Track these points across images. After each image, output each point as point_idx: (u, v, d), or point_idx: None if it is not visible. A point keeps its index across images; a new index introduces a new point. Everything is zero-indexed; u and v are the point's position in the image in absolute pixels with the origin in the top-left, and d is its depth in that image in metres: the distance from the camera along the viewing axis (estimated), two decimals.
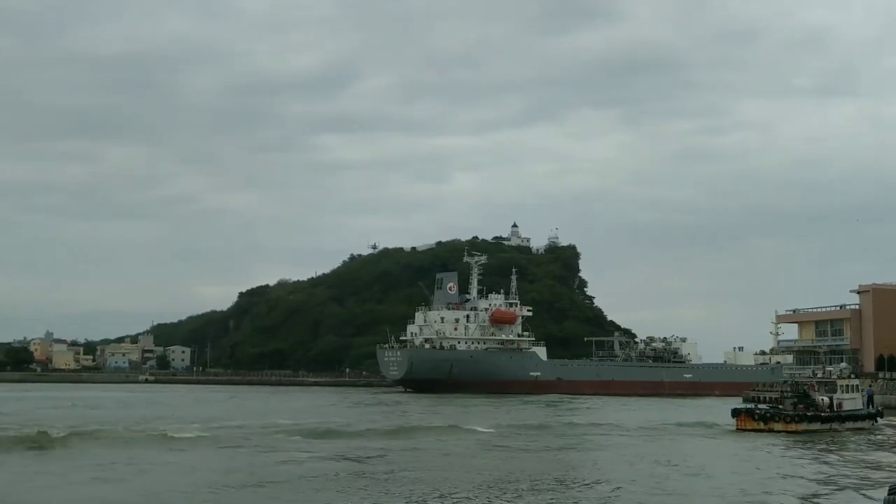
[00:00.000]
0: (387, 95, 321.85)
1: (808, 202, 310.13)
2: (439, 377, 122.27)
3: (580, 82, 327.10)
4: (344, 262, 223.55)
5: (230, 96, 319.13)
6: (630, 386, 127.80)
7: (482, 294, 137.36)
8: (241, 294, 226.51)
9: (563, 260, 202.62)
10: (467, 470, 33.53)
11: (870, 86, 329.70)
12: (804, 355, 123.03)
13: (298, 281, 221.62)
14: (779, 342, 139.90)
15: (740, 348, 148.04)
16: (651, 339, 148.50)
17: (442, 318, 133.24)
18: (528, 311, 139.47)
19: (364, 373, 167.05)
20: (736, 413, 56.20)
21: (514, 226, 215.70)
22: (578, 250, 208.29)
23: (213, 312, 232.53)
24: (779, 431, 52.28)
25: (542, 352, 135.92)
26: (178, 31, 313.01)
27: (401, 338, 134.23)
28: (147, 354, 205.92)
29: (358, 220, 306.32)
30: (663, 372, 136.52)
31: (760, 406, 56.74)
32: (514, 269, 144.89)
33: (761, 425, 53.55)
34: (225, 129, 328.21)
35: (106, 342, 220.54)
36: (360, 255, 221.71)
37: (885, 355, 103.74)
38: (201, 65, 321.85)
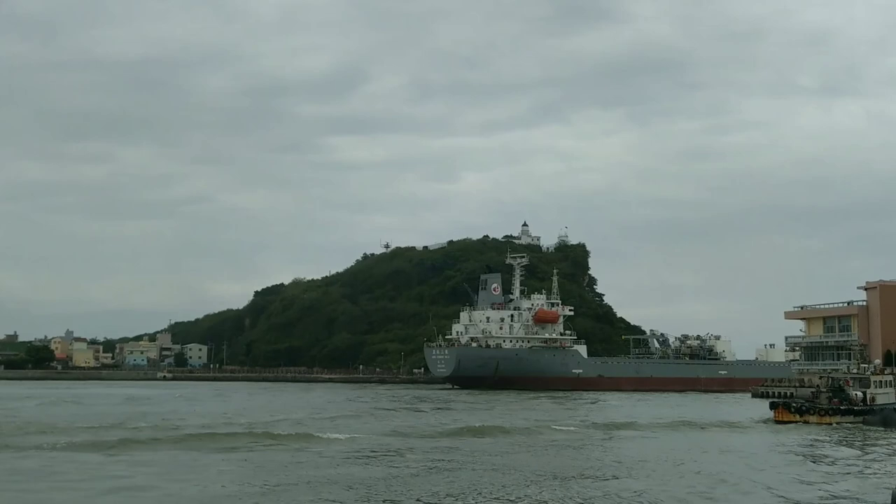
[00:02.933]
0: (395, 96, 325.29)
1: (814, 200, 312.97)
2: (485, 374, 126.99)
3: (587, 82, 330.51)
4: (357, 260, 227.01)
5: (242, 98, 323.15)
6: (668, 382, 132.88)
7: (524, 294, 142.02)
8: (256, 292, 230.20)
9: (572, 258, 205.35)
10: None
11: (873, 84, 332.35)
12: (812, 351, 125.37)
13: (312, 279, 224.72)
14: (786, 338, 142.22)
15: (772, 345, 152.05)
16: (686, 336, 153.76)
17: (487, 318, 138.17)
18: (570, 310, 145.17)
19: (377, 369, 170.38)
20: (774, 406, 60.22)
21: (525, 224, 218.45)
22: (587, 248, 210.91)
23: (230, 310, 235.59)
24: (814, 423, 55.70)
25: (583, 349, 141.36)
26: (190, 33, 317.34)
27: (446, 336, 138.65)
28: (165, 352, 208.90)
29: (370, 220, 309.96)
30: (699, 369, 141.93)
31: (797, 400, 61.18)
32: (555, 271, 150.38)
33: (797, 417, 57.37)
34: (238, 129, 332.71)
35: (124, 340, 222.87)
36: (372, 254, 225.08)
37: (893, 351, 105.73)
38: (214, 67, 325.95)
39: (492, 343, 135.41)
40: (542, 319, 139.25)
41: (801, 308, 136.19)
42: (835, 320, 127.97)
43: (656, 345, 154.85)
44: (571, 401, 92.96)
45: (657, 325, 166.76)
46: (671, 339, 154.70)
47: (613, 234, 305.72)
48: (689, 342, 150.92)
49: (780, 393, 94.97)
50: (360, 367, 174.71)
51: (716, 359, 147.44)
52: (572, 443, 43.13)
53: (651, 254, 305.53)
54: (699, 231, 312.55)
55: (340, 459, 34.74)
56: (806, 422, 56.12)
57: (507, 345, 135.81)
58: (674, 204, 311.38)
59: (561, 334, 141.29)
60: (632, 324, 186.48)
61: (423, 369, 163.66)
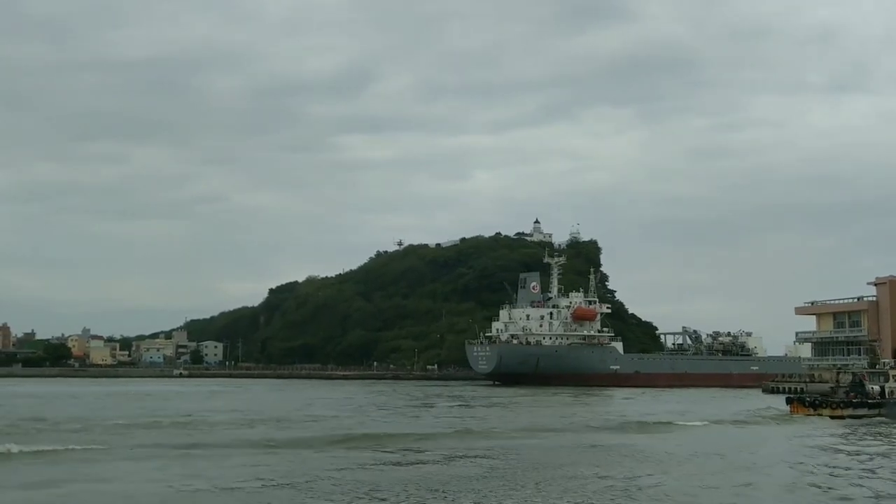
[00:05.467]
0: (406, 96, 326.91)
1: (824, 197, 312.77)
2: (526, 371, 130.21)
3: (596, 81, 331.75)
4: (370, 258, 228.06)
5: (254, 98, 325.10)
6: (702, 378, 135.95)
7: (561, 292, 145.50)
8: (271, 290, 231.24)
9: (584, 255, 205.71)
10: None
11: (882, 81, 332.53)
12: (822, 346, 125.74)
13: (326, 277, 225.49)
14: (797, 334, 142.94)
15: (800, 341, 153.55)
16: (717, 333, 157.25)
17: (527, 316, 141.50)
18: (608, 308, 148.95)
19: (391, 366, 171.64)
20: (789, 401, 62.60)
21: (537, 222, 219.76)
22: (599, 245, 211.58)
23: (245, 308, 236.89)
24: (827, 417, 57.75)
25: (619, 346, 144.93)
26: (202, 34, 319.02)
27: (486, 334, 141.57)
28: (181, 349, 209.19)
29: (382, 218, 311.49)
30: (732, 365, 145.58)
31: (811, 395, 65.49)
32: (592, 269, 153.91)
33: (811, 411, 59.53)
34: (249, 129, 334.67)
35: (141, 338, 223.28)
36: (385, 252, 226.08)
37: None
38: (226, 67, 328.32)
39: (532, 340, 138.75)
40: (580, 317, 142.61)
41: (812, 304, 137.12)
42: (845, 316, 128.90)
43: (689, 341, 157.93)
44: (610, 399, 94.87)
45: (668, 322, 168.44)
46: (703, 336, 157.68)
47: (624, 232, 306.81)
48: (720, 339, 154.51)
49: (791, 388, 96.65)
50: (374, 363, 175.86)
51: (748, 355, 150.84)
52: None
53: (661, 251, 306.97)
54: (709, 229, 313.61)
55: None
56: (819, 415, 57.33)
57: (546, 342, 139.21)
58: (684, 202, 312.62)
59: (598, 331, 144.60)
60: (644, 320, 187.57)
61: (436, 366, 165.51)
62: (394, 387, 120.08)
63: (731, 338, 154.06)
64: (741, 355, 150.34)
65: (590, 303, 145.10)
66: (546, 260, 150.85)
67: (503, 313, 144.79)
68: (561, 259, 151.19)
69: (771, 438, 46.04)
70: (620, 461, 35.13)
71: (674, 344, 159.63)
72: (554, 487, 28.10)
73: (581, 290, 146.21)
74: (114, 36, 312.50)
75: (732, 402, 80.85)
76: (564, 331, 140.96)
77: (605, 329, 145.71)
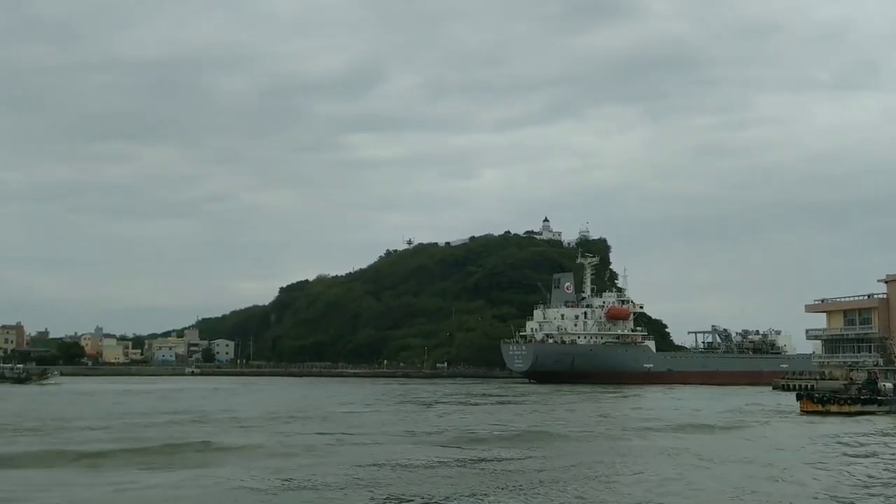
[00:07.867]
0: (412, 95, 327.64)
1: (830, 195, 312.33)
2: (561, 369, 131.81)
3: (601, 79, 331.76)
4: (380, 257, 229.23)
5: (261, 98, 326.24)
6: (733, 376, 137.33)
7: (594, 292, 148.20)
8: (281, 289, 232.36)
9: (594, 253, 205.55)
10: None
11: (888, 79, 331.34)
12: (832, 344, 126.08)
13: (336, 276, 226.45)
14: (807, 331, 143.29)
15: None
16: (746, 331, 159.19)
17: (562, 315, 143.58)
18: (640, 307, 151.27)
19: (401, 364, 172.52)
20: (799, 397, 64.09)
21: (546, 220, 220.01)
22: (608, 244, 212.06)
23: (255, 307, 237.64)
24: (835, 413, 59.02)
25: (652, 345, 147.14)
26: (208, 35, 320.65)
27: (521, 333, 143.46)
28: (193, 348, 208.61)
29: (390, 217, 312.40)
30: (762, 363, 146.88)
31: (819, 391, 67.58)
32: (624, 269, 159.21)
33: (819, 407, 60.85)
34: (257, 129, 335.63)
35: (153, 336, 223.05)
36: (395, 251, 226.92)
37: None
38: (232, 68, 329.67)
39: (567, 339, 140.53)
40: (613, 316, 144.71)
41: (822, 301, 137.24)
42: (855, 313, 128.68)
43: (718, 340, 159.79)
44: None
45: (675, 320, 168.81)
46: (733, 334, 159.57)
47: (630, 230, 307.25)
48: (750, 337, 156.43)
49: (802, 385, 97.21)
50: (385, 362, 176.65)
51: (777, 353, 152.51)
52: None
53: (668, 249, 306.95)
54: (716, 226, 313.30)
55: None
56: (828, 411, 58.25)
57: (581, 341, 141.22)
58: (690, 200, 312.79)
59: (632, 331, 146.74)
60: (653, 318, 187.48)
61: (446, 364, 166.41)
62: (431, 385, 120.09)
63: (760, 336, 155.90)
64: (771, 353, 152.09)
65: (622, 302, 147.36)
66: (579, 260, 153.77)
67: (537, 313, 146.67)
68: (594, 259, 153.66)
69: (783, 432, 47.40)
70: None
71: (703, 342, 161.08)
72: None
73: (614, 289, 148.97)
74: (120, 37, 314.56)
75: (751, 398, 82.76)
76: (598, 330, 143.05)
77: (637, 328, 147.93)
